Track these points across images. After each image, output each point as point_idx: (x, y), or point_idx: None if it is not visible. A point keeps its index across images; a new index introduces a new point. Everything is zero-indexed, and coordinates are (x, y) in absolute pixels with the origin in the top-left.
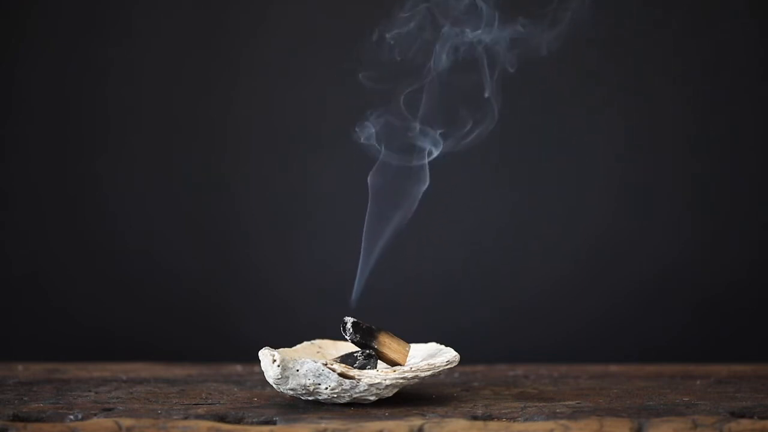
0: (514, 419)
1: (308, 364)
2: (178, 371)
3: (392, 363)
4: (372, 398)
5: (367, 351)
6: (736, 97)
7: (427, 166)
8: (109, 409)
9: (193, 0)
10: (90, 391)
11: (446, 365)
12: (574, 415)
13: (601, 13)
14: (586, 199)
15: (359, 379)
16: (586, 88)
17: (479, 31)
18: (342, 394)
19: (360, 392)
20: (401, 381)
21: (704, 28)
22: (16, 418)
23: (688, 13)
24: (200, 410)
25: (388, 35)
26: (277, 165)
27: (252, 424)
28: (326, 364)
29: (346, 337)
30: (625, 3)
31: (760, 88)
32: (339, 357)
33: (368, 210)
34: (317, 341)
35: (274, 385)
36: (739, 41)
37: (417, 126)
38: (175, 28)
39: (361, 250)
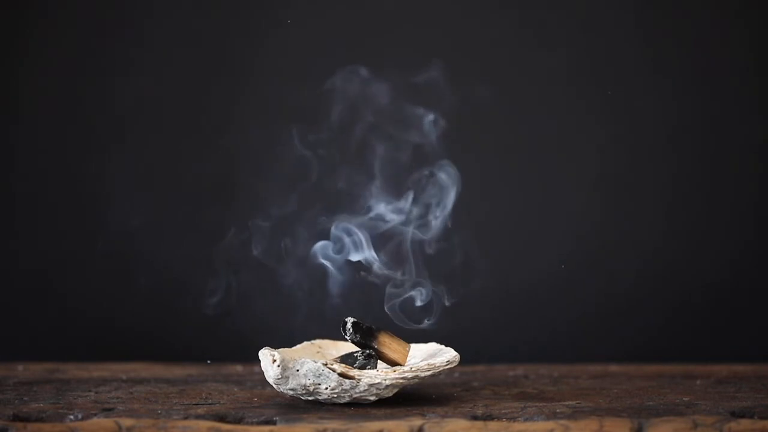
0: (514, 419)
1: (308, 364)
2: (178, 371)
3: (392, 363)
4: (372, 398)
5: (367, 351)
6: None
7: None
8: (109, 409)
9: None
10: (90, 391)
11: (446, 365)
12: (574, 415)
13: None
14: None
15: (359, 379)
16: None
17: None
18: (342, 394)
19: (360, 392)
20: (401, 381)
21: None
22: (16, 418)
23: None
24: (200, 410)
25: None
26: (277, 165)
27: (252, 424)
28: (326, 364)
29: (346, 337)
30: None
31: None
32: (339, 357)
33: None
34: (317, 341)
35: (274, 385)
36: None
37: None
38: (175, 28)
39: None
